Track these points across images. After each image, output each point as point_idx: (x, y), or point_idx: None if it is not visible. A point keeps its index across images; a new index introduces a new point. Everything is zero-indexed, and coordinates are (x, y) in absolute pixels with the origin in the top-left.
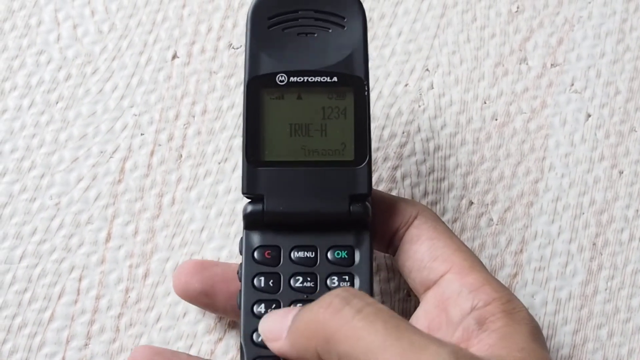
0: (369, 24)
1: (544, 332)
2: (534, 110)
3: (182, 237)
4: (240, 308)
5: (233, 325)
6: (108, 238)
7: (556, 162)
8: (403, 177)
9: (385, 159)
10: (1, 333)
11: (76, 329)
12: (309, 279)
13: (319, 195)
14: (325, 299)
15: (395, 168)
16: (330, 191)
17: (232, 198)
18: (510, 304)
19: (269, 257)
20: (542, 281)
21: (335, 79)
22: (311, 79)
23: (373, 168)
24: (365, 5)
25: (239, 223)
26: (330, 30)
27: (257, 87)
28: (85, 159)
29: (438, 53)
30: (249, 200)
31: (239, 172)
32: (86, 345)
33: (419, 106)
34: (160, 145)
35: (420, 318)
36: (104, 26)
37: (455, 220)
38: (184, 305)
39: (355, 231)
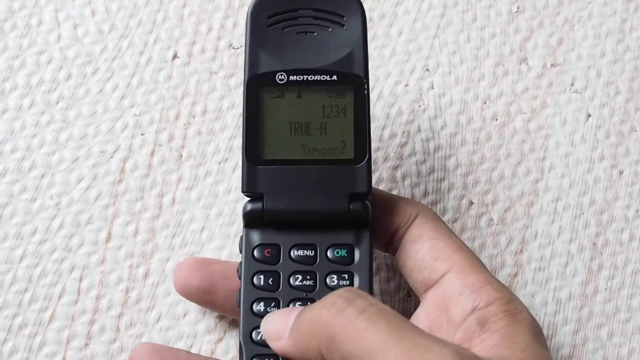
0: (369, 24)
1: (544, 332)
2: (534, 110)
3: (182, 237)
4: (239, 306)
5: (233, 325)
6: (108, 238)
7: (556, 162)
8: (403, 177)
9: (386, 159)
10: (1, 333)
11: (76, 329)
12: (308, 277)
13: (319, 193)
14: (329, 299)
15: (395, 168)
16: (330, 190)
17: (232, 198)
18: (511, 304)
19: (269, 255)
20: (542, 281)
21: (335, 77)
22: (311, 77)
23: (373, 168)
24: (366, 5)
25: (240, 223)
26: (329, 29)
27: (256, 86)
28: (86, 159)
29: (438, 53)
30: (249, 198)
31: (239, 172)
32: (86, 345)
33: (419, 106)
34: (160, 145)
35: (421, 318)
36: (104, 26)
37: (455, 220)
38: (185, 305)
39: (355, 230)
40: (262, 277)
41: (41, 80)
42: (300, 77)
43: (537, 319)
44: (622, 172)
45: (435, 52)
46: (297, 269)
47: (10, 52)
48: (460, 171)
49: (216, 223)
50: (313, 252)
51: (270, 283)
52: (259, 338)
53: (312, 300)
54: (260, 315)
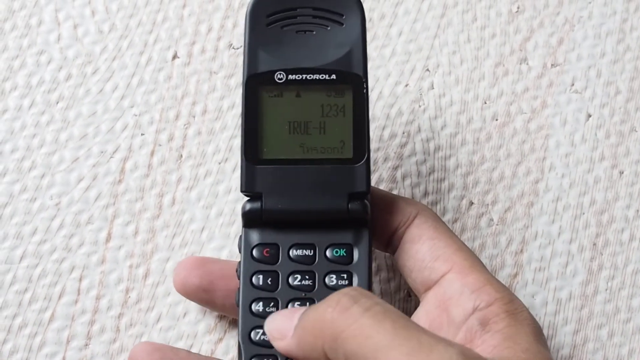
0: (369, 24)
1: (545, 333)
2: (534, 110)
3: (182, 237)
4: (238, 306)
5: (233, 325)
6: (108, 238)
7: (556, 162)
8: (403, 177)
9: (386, 159)
10: (1, 333)
11: (76, 329)
12: (307, 277)
13: (318, 193)
14: (334, 298)
15: (395, 168)
16: (329, 189)
17: (232, 198)
18: (512, 305)
19: (268, 255)
20: (542, 281)
21: (334, 76)
22: (310, 76)
23: (373, 168)
24: (366, 6)
25: (240, 223)
26: (328, 28)
27: (255, 85)
28: (86, 159)
29: (438, 53)
30: (248, 198)
31: (239, 172)
32: (86, 345)
33: (420, 106)
34: (160, 145)
35: (421, 318)
36: (104, 26)
37: (455, 221)
38: (185, 305)
39: (354, 229)
40: (261, 276)
41: (41, 80)
42: (299, 76)
43: (537, 319)
44: (623, 172)
45: (436, 52)
46: (296, 268)
47: (10, 52)
48: (461, 171)
49: (216, 223)
50: (312, 251)
51: (269, 283)
52: (257, 338)
53: (311, 300)
54: (259, 315)
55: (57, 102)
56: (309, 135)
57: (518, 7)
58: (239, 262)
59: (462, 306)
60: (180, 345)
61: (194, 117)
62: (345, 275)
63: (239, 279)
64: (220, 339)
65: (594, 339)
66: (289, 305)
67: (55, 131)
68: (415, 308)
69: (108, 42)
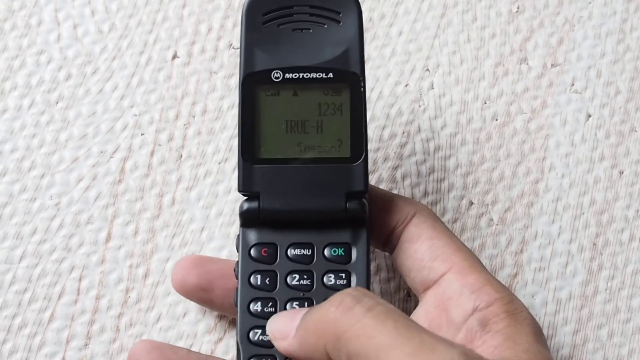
0: (369, 24)
1: (545, 332)
2: (534, 110)
3: (182, 237)
4: (236, 306)
5: (233, 325)
6: (108, 238)
7: (556, 162)
8: (403, 177)
9: (386, 159)
10: (1, 333)
11: (76, 329)
12: (305, 276)
13: (315, 192)
14: (336, 298)
15: (395, 168)
16: (327, 188)
17: (232, 198)
18: (512, 305)
19: (266, 254)
20: (542, 281)
21: (330, 75)
22: (307, 75)
23: (373, 168)
24: (366, 5)
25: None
26: (325, 26)
27: (252, 84)
28: (86, 159)
29: (438, 53)
30: (245, 197)
31: None
32: (86, 345)
33: (419, 106)
34: (160, 145)
35: (420, 317)
36: (104, 26)
37: (455, 221)
38: (184, 305)
39: (352, 228)
40: (259, 276)
41: (41, 80)
42: (296, 75)
43: (537, 319)
44: (622, 172)
45: (436, 52)
46: (294, 268)
47: (10, 52)
48: (460, 171)
49: (216, 223)
50: (310, 251)
51: (267, 283)
52: (256, 338)
53: (310, 300)
54: (258, 315)
55: (57, 102)
56: (306, 134)
57: (518, 7)
58: (237, 262)
59: (461, 306)
60: (180, 345)
61: (194, 117)
62: (343, 275)
63: (237, 278)
64: (220, 339)
65: (593, 339)
66: (288, 305)
67: (55, 131)
68: (415, 308)
69: (108, 42)
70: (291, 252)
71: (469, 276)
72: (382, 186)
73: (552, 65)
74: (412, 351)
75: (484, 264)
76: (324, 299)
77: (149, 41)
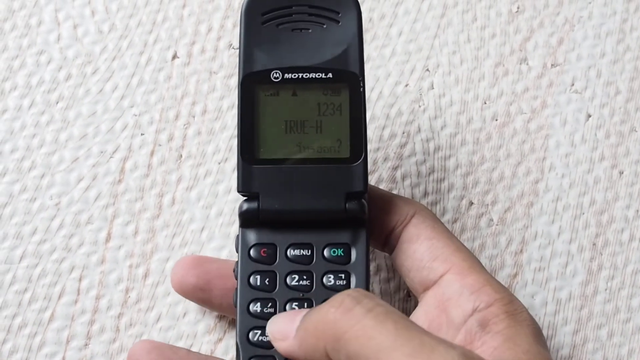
0: (369, 24)
1: (544, 333)
2: (534, 110)
3: (182, 237)
4: (236, 306)
5: (233, 325)
6: (108, 238)
7: (556, 162)
8: (403, 178)
9: (385, 159)
10: (1, 333)
11: (76, 329)
12: (305, 277)
13: (315, 192)
14: (336, 299)
15: (395, 168)
16: (326, 189)
17: (232, 198)
18: (512, 305)
19: (265, 255)
20: (542, 281)
21: (330, 75)
22: (306, 75)
23: (373, 168)
24: (366, 6)
25: None
26: (324, 26)
27: (251, 84)
28: (86, 159)
29: (438, 53)
30: (245, 198)
31: None
32: (86, 345)
33: (419, 106)
34: (160, 145)
35: (420, 318)
36: (104, 26)
37: (455, 221)
38: (184, 305)
39: (351, 229)
40: (258, 277)
41: (41, 80)
42: (295, 75)
43: (537, 319)
44: (622, 173)
45: (435, 52)
46: (293, 268)
47: (10, 52)
48: (460, 171)
49: (216, 223)
50: (309, 251)
51: (267, 283)
52: (256, 339)
53: (309, 301)
54: (257, 316)
55: (57, 102)
56: (305, 135)
57: (518, 7)
58: (236, 262)
59: (461, 307)
60: (180, 345)
61: (194, 117)
62: (343, 275)
63: (236, 279)
64: (220, 339)
65: (593, 339)
66: (287, 306)
67: (55, 131)
68: (415, 308)
69: (108, 42)
70: (290, 252)
71: (468, 277)
72: (382, 186)
73: (552, 65)
74: (412, 352)
75: (483, 264)
76: (324, 300)
77: (149, 41)
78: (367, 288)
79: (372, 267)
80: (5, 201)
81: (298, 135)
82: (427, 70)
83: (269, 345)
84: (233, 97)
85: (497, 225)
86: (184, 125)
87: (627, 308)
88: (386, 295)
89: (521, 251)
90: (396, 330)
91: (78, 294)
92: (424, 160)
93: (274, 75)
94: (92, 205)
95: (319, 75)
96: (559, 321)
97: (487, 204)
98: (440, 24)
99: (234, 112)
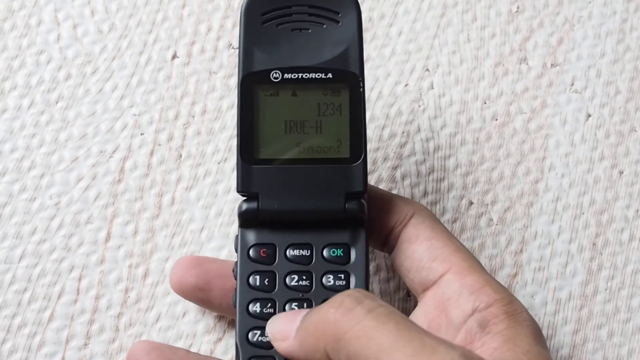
0: (369, 24)
1: (544, 332)
2: (534, 110)
3: (181, 236)
4: (235, 307)
5: (232, 325)
6: (108, 238)
7: (556, 162)
8: (403, 177)
9: (385, 159)
10: (1, 333)
11: (76, 329)
12: (304, 277)
13: (314, 193)
14: (337, 299)
15: (395, 168)
16: (326, 189)
17: (231, 198)
18: (511, 305)
19: (265, 255)
20: (542, 281)
21: (330, 75)
22: (306, 75)
23: (373, 168)
24: (365, 6)
25: None
26: (324, 26)
27: (251, 84)
28: (85, 159)
29: (438, 53)
30: (244, 198)
31: None
32: (86, 345)
33: (419, 106)
34: (160, 145)
35: (420, 318)
36: (103, 26)
37: (455, 221)
38: (184, 305)
39: (351, 229)
40: (257, 277)
41: (41, 80)
42: (295, 75)
43: (536, 319)
44: (622, 172)
45: (435, 52)
46: (293, 269)
47: (9, 52)
48: (460, 171)
49: (215, 223)
50: (309, 251)
51: (266, 283)
52: (255, 339)
53: (309, 301)
54: (257, 316)
55: (57, 102)
56: (305, 135)
57: (518, 7)
58: (236, 263)
59: (461, 307)
60: (180, 345)
61: (194, 117)
62: (342, 276)
63: (235, 279)
64: (220, 339)
65: (593, 339)
66: (287, 306)
67: (54, 131)
68: (414, 308)
69: (107, 42)
70: (290, 252)
71: (468, 277)
72: (382, 186)
73: (552, 65)
74: (413, 352)
75: (483, 264)
76: (323, 300)
77: (148, 41)
78: (366, 288)
79: (371, 267)
80: (5, 201)
81: (298, 136)
82: (427, 70)
83: (268, 346)
84: (233, 97)
85: (496, 225)
86: (184, 125)
87: (627, 308)
88: (386, 295)
89: (521, 251)
90: (397, 330)
91: (77, 293)
92: (424, 160)
93: (274, 75)
94: (91, 205)
95: (318, 75)
96: (558, 321)
97: (487, 204)
98: (440, 23)
99: (234, 112)
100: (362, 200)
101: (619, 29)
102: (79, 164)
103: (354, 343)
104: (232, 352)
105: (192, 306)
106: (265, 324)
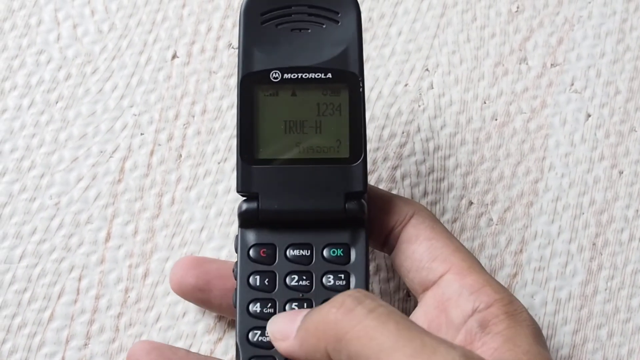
0: (368, 24)
1: (544, 332)
2: (534, 110)
3: (181, 236)
4: (235, 307)
5: (232, 325)
6: (108, 238)
7: (556, 162)
8: (403, 177)
9: (385, 159)
10: (1, 333)
11: (76, 329)
12: (304, 277)
13: (314, 193)
14: (337, 299)
15: (395, 168)
16: (326, 189)
17: (231, 198)
18: (511, 306)
19: (265, 255)
20: (542, 281)
21: (329, 75)
22: (305, 75)
23: (372, 168)
24: (365, 5)
25: None
26: (324, 26)
27: (251, 84)
28: (85, 159)
29: (438, 53)
30: (244, 198)
31: None
32: (86, 345)
33: (419, 106)
34: (160, 145)
35: (420, 318)
36: (103, 26)
37: (455, 221)
38: (184, 305)
39: (351, 229)
40: (258, 277)
41: (40, 80)
42: (294, 75)
43: (536, 319)
44: (622, 172)
45: (435, 52)
46: (293, 269)
47: (9, 52)
48: (460, 171)
49: (215, 223)
50: (309, 251)
51: (266, 283)
52: (255, 339)
53: (309, 301)
54: (257, 316)
55: (57, 102)
56: (305, 135)
57: (518, 7)
58: (236, 263)
59: (461, 307)
60: (180, 345)
61: (194, 116)
62: (342, 276)
63: (235, 279)
64: (220, 339)
65: (593, 339)
66: (287, 306)
67: (54, 131)
68: (415, 308)
69: (107, 41)
70: (290, 252)
71: (468, 277)
72: (382, 186)
73: (551, 65)
74: (414, 352)
75: (483, 264)
76: (323, 300)
77: (148, 41)
78: (366, 288)
79: (371, 267)
80: (5, 201)
81: (297, 136)
82: (427, 70)
83: (268, 346)
84: (232, 97)
85: (496, 225)
86: (184, 125)
87: (627, 308)
88: (386, 295)
89: (521, 251)
90: (398, 330)
91: (77, 293)
92: (424, 160)
93: (274, 75)
94: (91, 205)
95: (318, 75)
96: (558, 321)
97: (487, 204)
98: (440, 23)
99: (234, 112)
100: (362, 200)
101: (618, 29)
102: (79, 164)
103: (354, 343)
104: (232, 352)
105: (192, 306)
106: (266, 324)
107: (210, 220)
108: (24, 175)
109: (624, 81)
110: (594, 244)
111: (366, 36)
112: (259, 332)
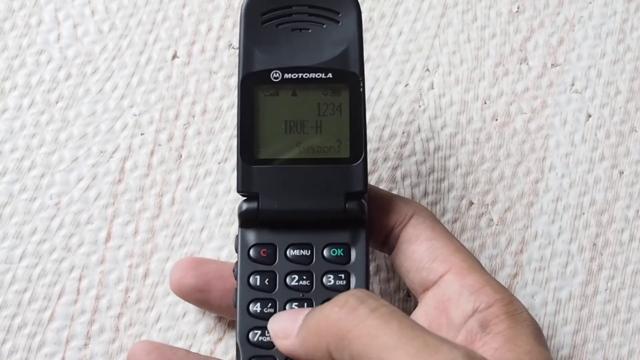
0: (369, 24)
1: (545, 333)
2: (534, 110)
3: (182, 237)
4: (236, 307)
5: (233, 325)
6: (108, 238)
7: (556, 162)
8: (403, 177)
9: (385, 159)
10: (1, 333)
11: (76, 329)
12: (304, 277)
13: (315, 193)
14: (340, 298)
15: (395, 168)
16: (326, 189)
17: (232, 198)
18: (512, 306)
19: (265, 255)
20: (542, 281)
21: (330, 75)
22: (306, 75)
23: (373, 168)
24: (365, 5)
25: None
26: (324, 26)
27: (251, 84)
28: (85, 159)
29: (438, 53)
30: (244, 198)
31: None
32: (86, 345)
33: (419, 106)
34: (160, 145)
35: (420, 318)
36: (104, 26)
37: (455, 221)
38: (184, 305)
39: (351, 229)
40: (258, 277)
41: (41, 80)
42: (295, 75)
43: (537, 319)
44: (623, 172)
45: (435, 52)
46: (293, 268)
47: (9, 52)
48: (460, 171)
49: (216, 223)
50: (309, 251)
51: (267, 283)
52: (256, 339)
53: (309, 301)
54: (257, 316)
55: (57, 102)
56: (305, 135)
57: (518, 7)
58: (236, 263)
59: (461, 307)
60: (180, 345)
61: (194, 116)
62: (342, 275)
63: (236, 279)
64: (220, 339)
65: (593, 339)
66: (287, 306)
67: (54, 131)
68: (415, 309)
69: (108, 41)
70: (290, 252)
71: (468, 277)
72: (382, 186)
73: (552, 65)
74: (416, 352)
75: (483, 264)
76: (324, 300)
77: (149, 41)
78: (367, 288)
79: (372, 267)
80: (5, 201)
81: (298, 136)
82: (427, 70)
83: (269, 345)
84: (233, 97)
85: (497, 225)
86: (184, 125)
87: (628, 308)
88: (386, 295)
89: (521, 251)
90: (400, 330)
91: (78, 293)
92: (424, 160)
93: (274, 75)
94: (91, 205)
95: (318, 75)
96: (559, 321)
97: (487, 204)
98: (440, 23)
99: (234, 112)
100: (362, 200)
101: (619, 29)
102: (79, 164)
103: (357, 342)
104: (233, 352)
105: (192, 306)
106: (266, 324)
107: (210, 221)
108: (24, 175)
109: (625, 81)
110: (594, 245)
111: (367, 36)
112: (259, 332)
